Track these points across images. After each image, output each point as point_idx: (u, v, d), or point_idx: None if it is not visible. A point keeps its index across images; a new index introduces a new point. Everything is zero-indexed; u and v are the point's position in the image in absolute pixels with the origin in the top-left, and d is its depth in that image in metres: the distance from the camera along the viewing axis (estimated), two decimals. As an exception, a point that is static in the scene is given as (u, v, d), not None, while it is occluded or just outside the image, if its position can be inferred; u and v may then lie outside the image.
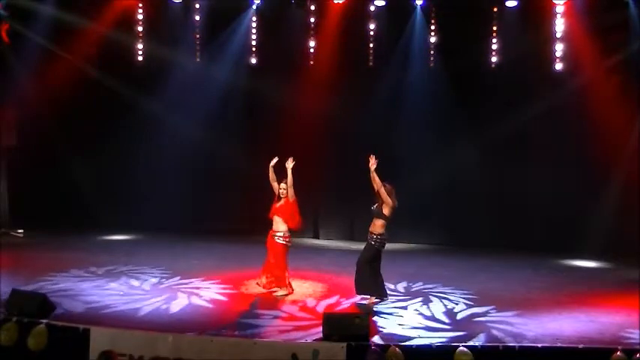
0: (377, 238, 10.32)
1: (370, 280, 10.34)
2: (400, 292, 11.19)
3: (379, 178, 10.21)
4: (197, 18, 15.66)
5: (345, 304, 10.52)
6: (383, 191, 10.19)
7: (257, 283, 10.90)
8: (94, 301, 10.11)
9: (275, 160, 10.81)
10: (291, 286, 10.86)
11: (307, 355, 8.04)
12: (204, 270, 12.16)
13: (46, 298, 9.23)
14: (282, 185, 10.74)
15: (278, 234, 10.78)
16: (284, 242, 10.79)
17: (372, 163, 10.16)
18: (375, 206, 10.41)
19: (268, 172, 10.82)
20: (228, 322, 9.41)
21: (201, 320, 9.47)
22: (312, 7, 15.19)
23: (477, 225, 15.11)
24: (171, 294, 10.68)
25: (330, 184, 15.62)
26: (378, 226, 10.34)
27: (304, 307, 10.24)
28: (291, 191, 10.70)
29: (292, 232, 10.92)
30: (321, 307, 10.20)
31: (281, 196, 10.77)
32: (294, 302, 10.47)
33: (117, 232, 15.42)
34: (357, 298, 10.51)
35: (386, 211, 10.27)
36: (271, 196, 10.95)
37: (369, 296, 10.42)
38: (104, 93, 15.69)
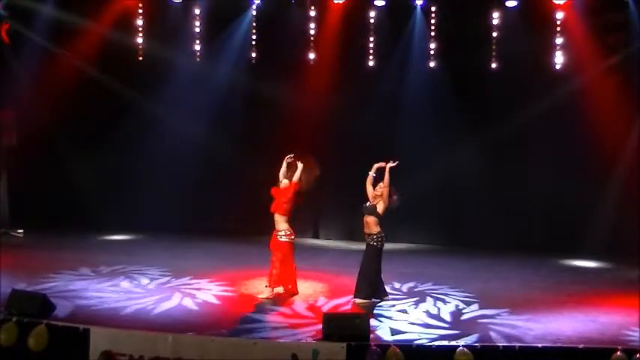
0: (376, 237, 10.30)
1: (368, 282, 10.32)
2: (399, 293, 11.18)
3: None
4: (197, 18, 15.65)
5: (345, 303, 10.52)
6: (387, 190, 10.21)
7: (266, 286, 10.80)
8: (94, 301, 10.11)
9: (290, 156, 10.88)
10: (296, 287, 10.83)
11: (307, 355, 8.05)
12: (204, 270, 12.15)
13: (46, 298, 9.24)
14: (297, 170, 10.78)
15: (280, 233, 10.77)
16: (287, 240, 10.77)
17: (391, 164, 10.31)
18: (367, 203, 10.37)
19: (280, 166, 10.86)
20: (228, 322, 9.40)
21: (201, 320, 9.47)
22: (312, 7, 15.19)
23: (476, 225, 15.12)
24: (171, 294, 10.67)
25: (330, 184, 15.57)
26: (372, 224, 10.31)
27: (304, 308, 10.23)
28: (297, 175, 10.70)
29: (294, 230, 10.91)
30: (321, 307, 10.20)
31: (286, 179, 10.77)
32: (294, 302, 10.45)
33: (117, 232, 15.42)
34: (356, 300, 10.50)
35: (380, 209, 10.26)
36: (271, 195, 10.95)
37: (363, 300, 10.38)
38: (104, 93, 15.66)
